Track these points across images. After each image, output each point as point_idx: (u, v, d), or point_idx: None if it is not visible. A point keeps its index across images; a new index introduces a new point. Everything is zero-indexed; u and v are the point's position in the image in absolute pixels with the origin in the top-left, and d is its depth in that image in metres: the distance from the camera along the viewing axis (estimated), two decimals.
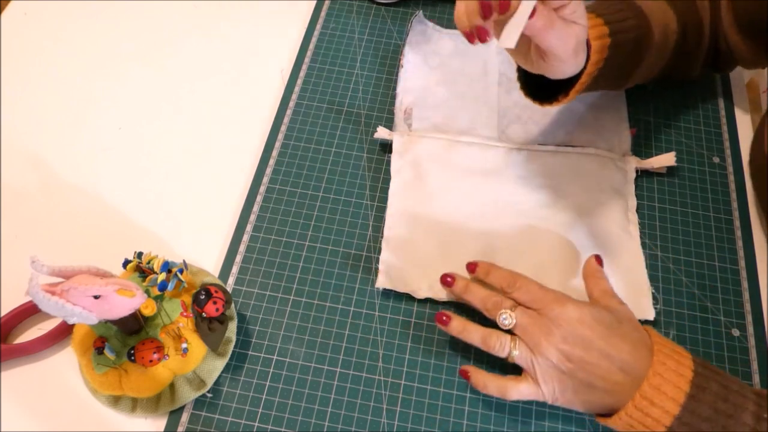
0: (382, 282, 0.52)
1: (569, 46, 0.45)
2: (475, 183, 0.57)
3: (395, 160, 0.58)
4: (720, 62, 0.59)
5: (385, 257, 0.53)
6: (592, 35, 0.48)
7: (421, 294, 0.51)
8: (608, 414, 0.43)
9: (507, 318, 0.45)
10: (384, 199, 0.56)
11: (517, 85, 0.56)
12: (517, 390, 0.44)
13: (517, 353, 0.44)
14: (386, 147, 0.60)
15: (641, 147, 0.60)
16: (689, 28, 0.56)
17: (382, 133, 0.59)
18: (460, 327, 0.47)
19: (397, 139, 0.59)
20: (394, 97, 0.63)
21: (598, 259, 0.50)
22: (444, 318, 0.47)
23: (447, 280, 0.50)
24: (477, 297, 0.48)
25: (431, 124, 0.61)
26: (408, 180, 0.57)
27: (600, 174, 0.57)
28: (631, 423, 0.41)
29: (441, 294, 0.51)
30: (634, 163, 0.58)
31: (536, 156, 0.59)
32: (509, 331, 0.45)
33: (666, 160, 0.58)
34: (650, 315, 0.51)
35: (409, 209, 0.55)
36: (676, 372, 0.41)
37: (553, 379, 0.43)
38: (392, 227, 0.55)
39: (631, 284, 0.52)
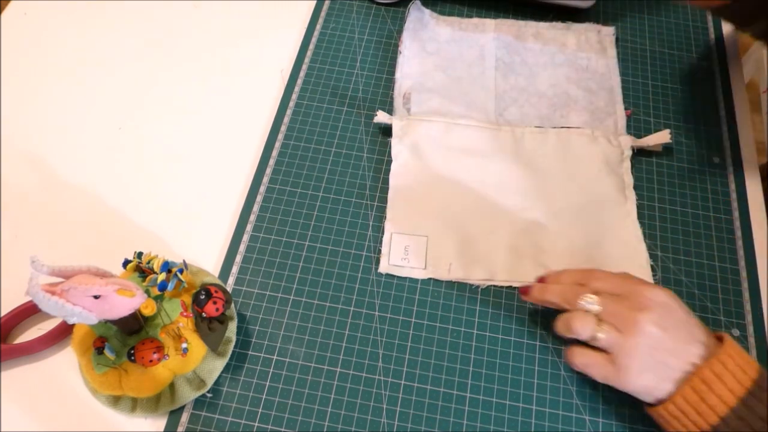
0: (384, 266, 0.53)
1: None
2: (474, 164, 0.58)
3: (395, 143, 0.59)
4: None
5: (387, 239, 0.54)
6: None
7: (422, 273, 0.52)
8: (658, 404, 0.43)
9: (591, 301, 0.44)
10: (384, 199, 0.56)
11: (514, 69, 0.56)
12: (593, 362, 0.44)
13: (603, 336, 0.43)
14: (387, 132, 0.60)
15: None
16: None
17: (381, 117, 0.60)
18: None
19: (397, 123, 0.59)
20: (392, 82, 0.63)
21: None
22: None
23: (524, 290, 0.50)
24: (555, 292, 0.47)
25: (430, 108, 0.61)
26: (408, 162, 0.58)
27: (595, 152, 0.58)
28: (684, 408, 0.41)
29: (440, 273, 0.52)
30: (629, 141, 0.59)
31: (532, 137, 0.60)
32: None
33: (661, 137, 0.58)
34: None
35: (411, 190, 0.56)
36: (740, 368, 0.41)
37: (641, 354, 0.42)
38: (394, 209, 0.55)
39: (629, 258, 0.53)
